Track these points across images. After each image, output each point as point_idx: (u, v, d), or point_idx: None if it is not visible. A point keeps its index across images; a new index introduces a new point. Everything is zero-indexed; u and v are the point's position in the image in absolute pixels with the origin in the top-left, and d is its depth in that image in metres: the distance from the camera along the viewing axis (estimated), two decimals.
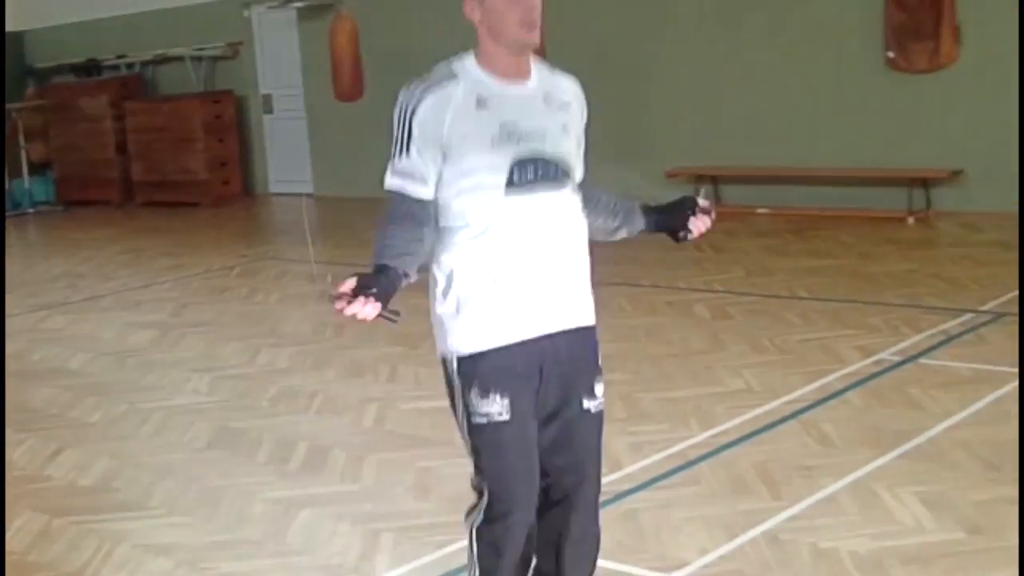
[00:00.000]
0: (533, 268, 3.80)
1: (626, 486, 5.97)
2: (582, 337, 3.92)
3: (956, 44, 12.40)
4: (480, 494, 3.91)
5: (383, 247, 3.70)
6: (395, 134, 3.74)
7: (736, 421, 6.85)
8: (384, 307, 3.59)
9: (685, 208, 4.14)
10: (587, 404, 3.93)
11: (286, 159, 18.03)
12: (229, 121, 17.78)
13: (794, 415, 6.87)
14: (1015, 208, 11.99)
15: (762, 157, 13.53)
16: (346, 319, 3.58)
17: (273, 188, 18.27)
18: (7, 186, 18.17)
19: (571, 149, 3.86)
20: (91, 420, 7.82)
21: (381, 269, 3.64)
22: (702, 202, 4.14)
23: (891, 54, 12.74)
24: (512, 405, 3.79)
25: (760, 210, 13.17)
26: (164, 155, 17.61)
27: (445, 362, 3.87)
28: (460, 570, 5.14)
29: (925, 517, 5.39)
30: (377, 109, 15.30)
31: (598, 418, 3.97)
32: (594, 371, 3.95)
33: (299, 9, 17.09)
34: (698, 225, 4.14)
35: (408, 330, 9.21)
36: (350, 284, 3.54)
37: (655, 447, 6.48)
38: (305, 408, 7.74)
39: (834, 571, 4.94)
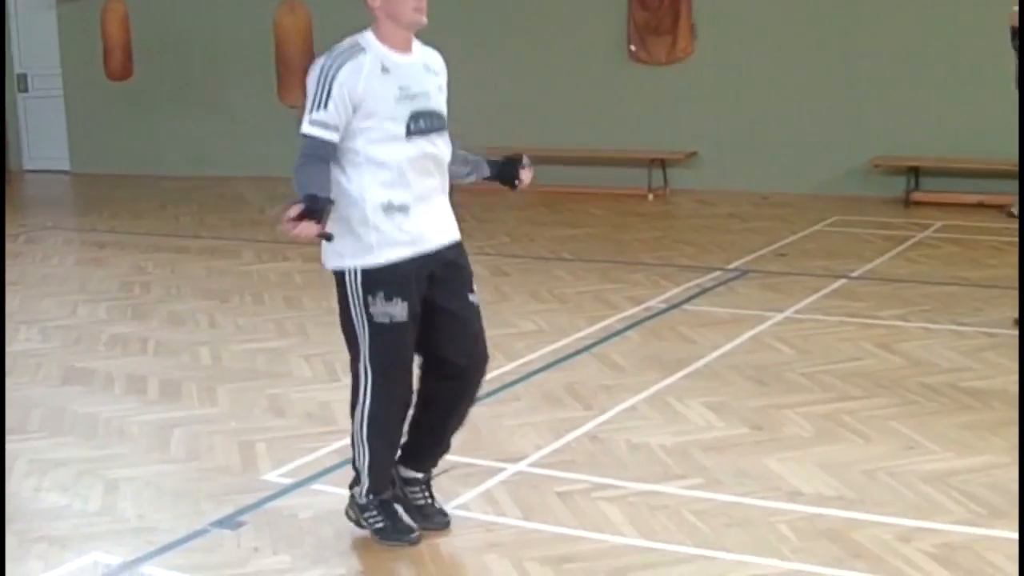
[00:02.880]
0: (425, 194, 4.96)
1: None
2: (459, 248, 5.12)
3: (692, 40, 13.85)
4: (364, 389, 5.00)
5: (308, 180, 4.79)
6: (314, 91, 4.82)
7: (537, 354, 7.94)
8: (322, 227, 4.63)
9: (517, 165, 5.37)
10: (471, 298, 5.13)
11: (41, 137, 18.35)
12: None
13: (586, 349, 8.02)
14: (743, 187, 13.54)
15: (515, 138, 14.60)
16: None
17: (27, 165, 18.55)
18: None
19: (444, 104, 5.08)
20: None
21: (314, 197, 4.65)
22: (526, 160, 5.38)
23: (633, 47, 14.09)
24: (409, 308, 4.90)
25: None
26: None
27: (345, 273, 4.93)
28: (332, 469, 6.11)
29: (713, 419, 6.60)
30: (143, 89, 16.05)
31: (479, 309, 5.17)
32: (470, 273, 5.14)
33: None
34: (526, 176, 5.38)
35: (215, 287, 10.14)
36: (297, 209, 4.54)
37: None
38: (141, 351, 8.48)
39: (650, 458, 6.08)
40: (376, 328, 4.89)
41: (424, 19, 4.89)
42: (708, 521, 5.31)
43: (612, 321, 8.64)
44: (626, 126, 14.16)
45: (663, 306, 9.00)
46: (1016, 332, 7.81)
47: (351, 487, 5.22)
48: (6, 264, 11.48)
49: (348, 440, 6.32)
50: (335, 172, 4.85)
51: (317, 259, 10.58)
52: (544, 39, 14.47)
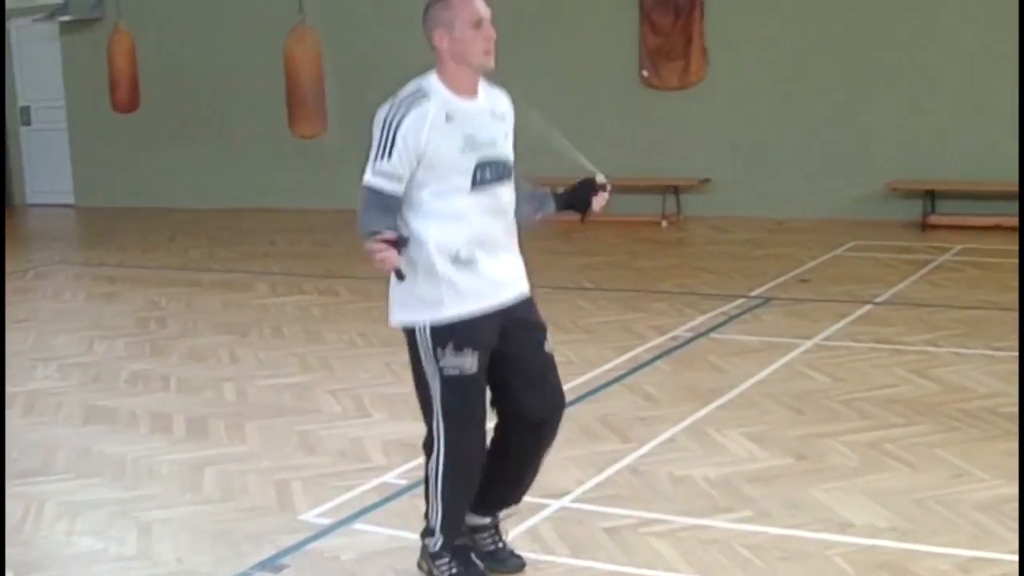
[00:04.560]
0: (492, 246, 4.78)
1: None
2: (529, 303, 4.96)
3: (704, 64, 13.79)
4: (437, 444, 4.84)
5: (378, 224, 4.57)
6: (379, 141, 4.63)
7: (568, 386, 7.57)
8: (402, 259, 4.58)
9: (588, 190, 5.12)
10: (546, 347, 4.99)
11: (44, 170, 18.27)
12: None
13: (616, 380, 7.91)
14: (757, 212, 13.47)
15: (526, 164, 14.59)
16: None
17: (30, 199, 18.48)
18: None
19: (511, 151, 4.87)
20: None
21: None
22: (599, 180, 5.13)
23: (645, 73, 14.04)
24: (479, 361, 4.74)
25: None
26: None
27: (415, 329, 4.75)
28: (371, 508, 6.00)
29: (755, 450, 6.49)
30: (149, 120, 15.97)
31: (553, 358, 5.04)
32: (544, 325, 5.00)
33: (62, 23, 17.40)
34: (599, 201, 5.14)
35: (233, 321, 10.05)
36: (393, 235, 4.49)
37: None
38: (164, 388, 8.36)
39: (694, 491, 5.97)
40: (446, 381, 4.73)
41: (492, 63, 4.73)
42: (762, 555, 5.20)
43: (640, 351, 8.54)
44: (638, 152, 14.09)
45: (690, 335, 8.91)
46: None
47: (423, 537, 5.06)
48: (15, 301, 11.42)
49: (386, 478, 6.35)
50: (399, 226, 4.68)
51: (333, 292, 10.56)
52: (555, 65, 14.40)
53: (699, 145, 13.87)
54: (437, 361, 4.72)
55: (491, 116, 4.80)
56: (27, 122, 18.32)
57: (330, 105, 13.55)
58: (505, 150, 4.82)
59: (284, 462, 6.74)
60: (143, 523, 5.94)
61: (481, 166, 4.70)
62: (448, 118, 4.65)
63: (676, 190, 13.92)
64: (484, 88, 4.84)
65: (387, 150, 4.60)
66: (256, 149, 16.33)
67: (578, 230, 13.45)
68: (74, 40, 17.32)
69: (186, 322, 10.30)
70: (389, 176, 4.62)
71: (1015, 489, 5.77)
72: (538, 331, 4.95)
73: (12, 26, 18.10)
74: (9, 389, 8.47)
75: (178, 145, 16.77)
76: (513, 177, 4.87)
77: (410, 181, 4.65)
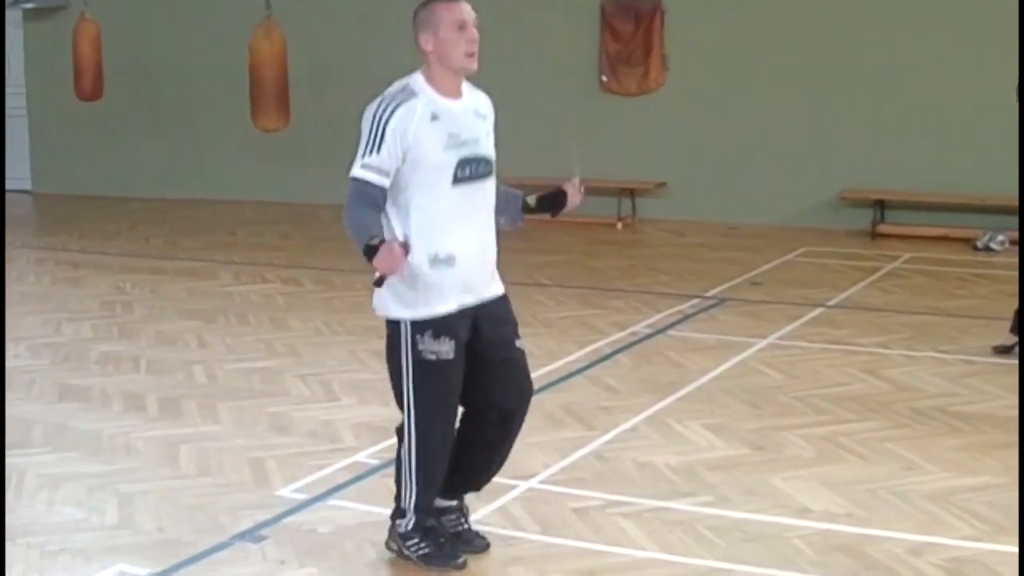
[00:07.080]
0: (470, 244, 5.01)
1: None
2: (504, 302, 5.20)
3: (663, 71, 14.07)
4: (408, 430, 5.07)
5: (367, 226, 4.81)
6: (367, 135, 4.86)
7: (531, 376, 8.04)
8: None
9: (561, 199, 5.45)
10: (518, 344, 5.24)
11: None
12: None
13: (578, 372, 8.16)
14: (711, 217, 13.76)
15: None
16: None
17: None
18: None
19: (492, 149, 5.11)
20: None
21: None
22: (575, 183, 5.43)
23: (605, 78, 14.32)
24: (456, 348, 4.98)
25: None
26: None
27: (399, 322, 4.98)
28: (344, 485, 6.22)
29: (715, 440, 6.76)
30: (112, 109, 16.06)
31: (525, 353, 5.28)
32: (516, 323, 5.25)
33: (25, 10, 17.45)
34: (575, 201, 5.46)
35: (198, 307, 10.21)
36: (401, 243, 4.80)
37: None
38: (134, 369, 8.53)
39: (657, 476, 6.24)
40: (422, 365, 4.96)
41: (475, 65, 4.94)
42: (724, 536, 5.46)
43: (600, 345, 8.80)
44: (596, 156, 14.20)
45: (648, 331, 9.17)
46: (995, 360, 8.07)
47: (393, 518, 5.28)
48: None
49: (357, 457, 6.57)
50: (382, 221, 4.91)
51: (296, 282, 10.70)
52: (516, 68, 14.60)
53: (655, 150, 14.14)
54: (416, 346, 4.95)
55: (474, 115, 5.04)
56: None
57: (292, 100, 13.72)
58: (486, 148, 5.06)
59: (257, 441, 6.95)
60: (123, 495, 6.13)
61: (462, 163, 4.93)
62: (434, 117, 4.89)
63: (632, 193, 14.20)
64: (468, 89, 5.09)
65: (376, 144, 4.83)
66: (217, 142, 16.46)
67: (533, 229, 13.68)
68: (37, 28, 17.37)
69: (152, 307, 10.45)
70: (377, 170, 4.84)
71: (963, 481, 6.10)
72: (512, 329, 5.20)
73: None
74: None
75: (139, 135, 16.86)
76: (494, 175, 5.12)
77: (394, 178, 4.87)
